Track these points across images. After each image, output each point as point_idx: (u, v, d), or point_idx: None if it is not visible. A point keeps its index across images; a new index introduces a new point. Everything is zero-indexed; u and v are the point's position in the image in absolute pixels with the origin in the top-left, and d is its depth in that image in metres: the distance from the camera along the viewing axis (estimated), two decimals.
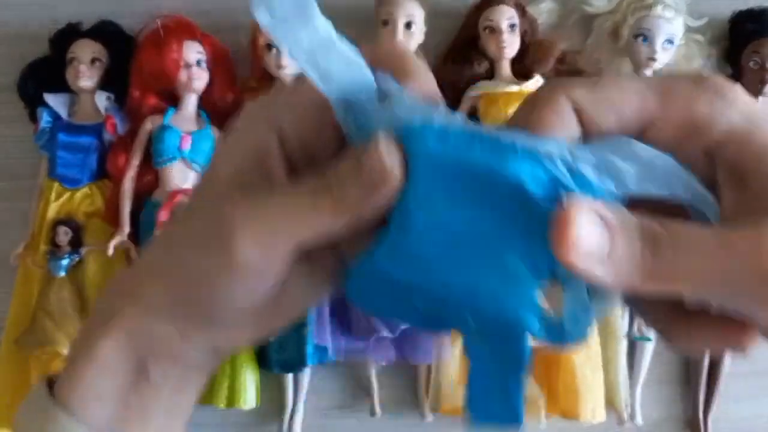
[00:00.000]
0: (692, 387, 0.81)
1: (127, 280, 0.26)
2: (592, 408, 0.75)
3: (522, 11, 0.84)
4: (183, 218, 0.25)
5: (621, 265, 0.19)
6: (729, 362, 0.81)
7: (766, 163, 0.20)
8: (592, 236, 0.19)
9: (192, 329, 0.24)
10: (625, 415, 0.79)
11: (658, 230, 0.19)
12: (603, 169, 0.21)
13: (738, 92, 0.21)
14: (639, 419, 0.79)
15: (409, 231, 0.22)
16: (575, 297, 0.21)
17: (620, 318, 0.79)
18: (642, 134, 0.21)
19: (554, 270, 0.21)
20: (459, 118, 0.22)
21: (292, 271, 0.23)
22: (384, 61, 0.24)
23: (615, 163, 0.21)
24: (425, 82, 0.25)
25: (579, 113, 0.21)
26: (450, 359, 0.77)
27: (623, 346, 0.80)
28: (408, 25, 0.82)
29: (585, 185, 0.20)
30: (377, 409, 0.79)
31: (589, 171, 0.20)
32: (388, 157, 0.21)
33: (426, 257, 0.22)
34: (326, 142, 0.23)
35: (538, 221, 0.20)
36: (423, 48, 0.86)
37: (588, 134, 0.21)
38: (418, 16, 0.83)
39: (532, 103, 0.22)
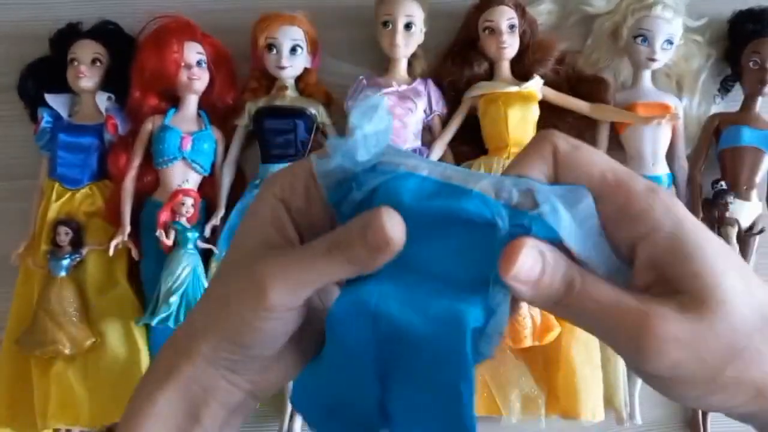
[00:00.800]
0: None
1: (181, 338, 0.32)
2: (592, 408, 0.75)
3: (522, 12, 0.84)
4: (222, 281, 0.32)
5: (543, 293, 0.27)
6: None
7: (680, 265, 0.26)
8: (530, 266, 0.26)
9: (237, 376, 0.31)
10: (625, 415, 0.79)
11: (576, 279, 0.27)
12: (552, 211, 0.26)
13: (680, 207, 0.27)
14: (638, 419, 0.80)
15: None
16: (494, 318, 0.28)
17: None
18: (595, 201, 0.27)
19: (488, 288, 0.27)
20: (426, 163, 0.29)
21: (308, 317, 0.30)
22: None
23: (559, 210, 0.26)
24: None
25: (556, 159, 0.28)
26: None
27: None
28: (408, 26, 0.82)
29: (536, 222, 0.27)
30: None
31: (545, 210, 0.26)
32: (395, 229, 0.27)
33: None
34: (319, 207, 0.30)
35: (486, 246, 0.27)
36: (423, 48, 0.86)
37: (558, 178, 0.28)
38: (418, 16, 0.83)
39: (528, 144, 0.29)
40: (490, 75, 0.84)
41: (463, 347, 0.27)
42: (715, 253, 0.27)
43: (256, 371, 0.32)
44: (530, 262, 0.26)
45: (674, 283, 0.27)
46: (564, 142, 0.28)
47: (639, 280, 0.28)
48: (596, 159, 0.28)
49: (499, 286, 0.27)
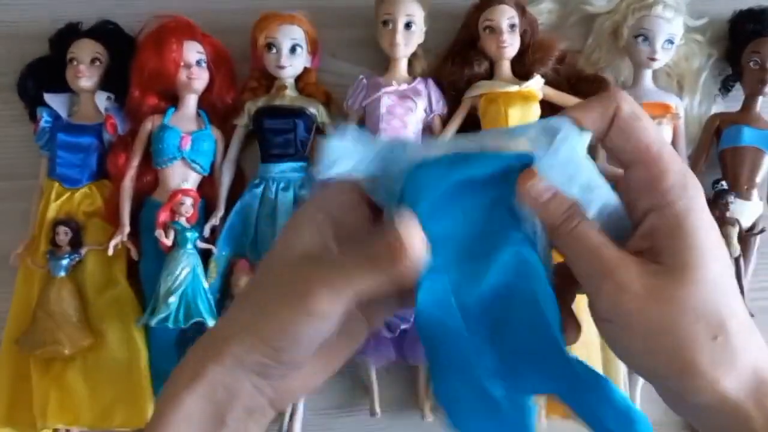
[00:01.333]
0: None
1: (213, 339, 0.33)
2: None
3: (522, 11, 0.83)
4: (260, 287, 0.34)
5: (549, 213, 0.31)
6: None
7: (670, 240, 0.30)
8: (540, 190, 0.31)
9: (263, 381, 0.32)
10: None
11: (577, 216, 0.31)
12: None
13: (700, 199, 0.30)
14: None
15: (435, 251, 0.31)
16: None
17: None
18: (628, 165, 0.31)
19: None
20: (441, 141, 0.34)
21: (343, 324, 0.32)
22: None
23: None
24: None
25: (613, 120, 0.31)
26: None
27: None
28: (408, 25, 0.82)
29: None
30: (377, 409, 0.79)
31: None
32: (409, 244, 0.30)
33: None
34: (363, 217, 0.34)
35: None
36: (423, 48, 0.86)
37: (608, 135, 0.31)
38: (418, 16, 0.83)
39: (595, 97, 0.32)
40: (491, 74, 0.84)
41: (541, 278, 0.31)
42: (706, 244, 0.30)
43: (281, 377, 0.33)
44: (542, 185, 0.31)
45: (659, 256, 0.30)
46: (628, 106, 0.31)
47: (634, 245, 0.31)
48: (648, 132, 0.31)
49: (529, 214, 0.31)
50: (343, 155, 0.32)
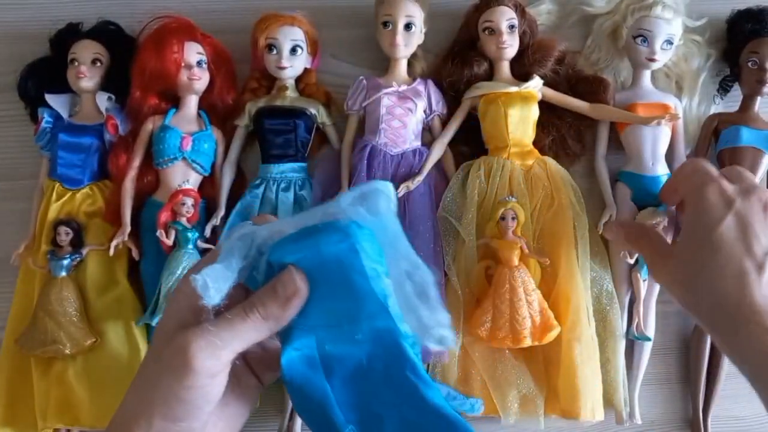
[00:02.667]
0: (692, 386, 0.82)
1: (116, 426, 0.35)
2: (591, 407, 0.75)
3: (521, 12, 0.84)
4: (150, 360, 0.35)
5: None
6: (728, 361, 0.81)
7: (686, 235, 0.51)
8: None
9: None
10: (624, 415, 0.79)
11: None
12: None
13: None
14: (638, 418, 0.80)
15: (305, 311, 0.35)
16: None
17: (618, 318, 0.80)
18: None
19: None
20: (286, 221, 0.36)
21: (230, 388, 0.34)
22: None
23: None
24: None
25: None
26: (450, 359, 0.77)
27: (622, 345, 0.80)
28: (408, 26, 0.82)
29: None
30: None
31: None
32: (300, 279, 0.33)
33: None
34: (238, 289, 0.35)
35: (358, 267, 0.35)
36: (423, 49, 0.86)
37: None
38: (418, 17, 0.83)
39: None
40: (490, 75, 0.84)
41: (402, 349, 0.34)
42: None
43: None
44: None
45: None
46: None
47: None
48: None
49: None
50: (218, 282, 0.34)
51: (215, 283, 0.33)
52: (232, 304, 0.35)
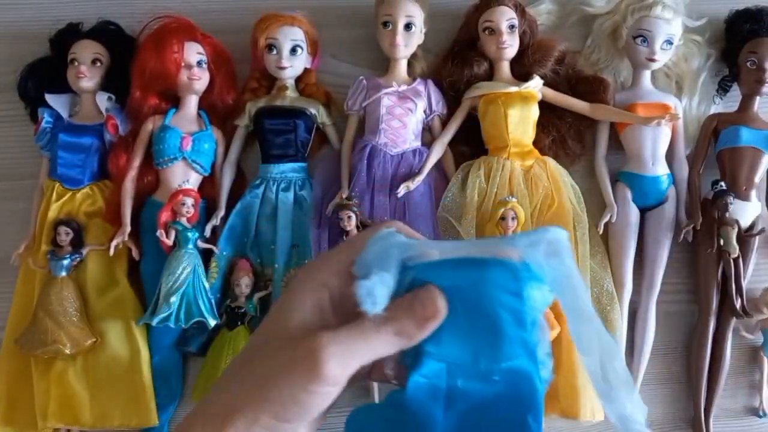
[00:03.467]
0: (693, 386, 0.82)
1: (212, 413, 0.33)
2: (591, 407, 0.75)
3: (521, 12, 0.84)
4: (265, 356, 0.34)
5: None
6: (729, 361, 0.81)
7: None
8: None
9: None
10: None
11: None
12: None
13: None
14: None
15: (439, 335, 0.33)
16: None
17: (619, 318, 0.80)
18: None
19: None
20: (448, 245, 0.35)
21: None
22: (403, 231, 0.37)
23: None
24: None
25: None
26: None
27: (622, 345, 0.80)
28: (408, 26, 0.82)
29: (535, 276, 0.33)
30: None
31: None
32: (440, 300, 0.32)
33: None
34: (351, 287, 0.33)
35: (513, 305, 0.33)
36: (423, 49, 0.86)
37: None
38: (418, 17, 0.83)
39: None
40: (490, 75, 0.84)
41: (535, 396, 0.33)
42: None
43: None
44: None
45: None
46: None
47: None
48: None
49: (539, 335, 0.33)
50: (383, 291, 0.33)
51: (381, 292, 0.32)
52: (345, 293, 0.34)
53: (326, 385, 0.31)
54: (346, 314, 0.34)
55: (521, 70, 0.84)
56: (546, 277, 0.33)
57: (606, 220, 0.81)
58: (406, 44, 0.83)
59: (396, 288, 0.34)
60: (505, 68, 0.84)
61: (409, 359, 0.34)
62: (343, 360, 0.31)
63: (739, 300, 0.79)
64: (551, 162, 0.83)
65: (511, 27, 0.82)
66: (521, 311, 0.33)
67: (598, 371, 0.32)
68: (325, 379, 0.31)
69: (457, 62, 0.84)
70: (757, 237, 0.82)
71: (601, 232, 0.81)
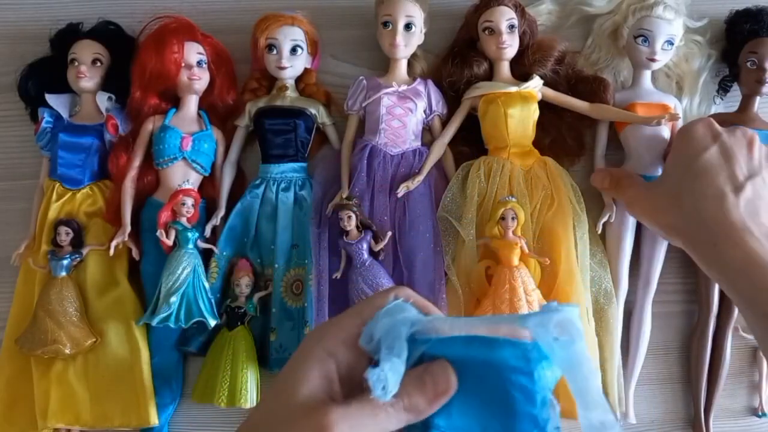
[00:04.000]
0: (693, 386, 0.82)
1: None
2: None
3: (521, 12, 0.84)
4: (277, 423, 0.34)
5: None
6: (729, 361, 0.81)
7: None
8: None
9: None
10: (619, 414, 0.79)
11: None
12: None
13: None
14: (632, 418, 0.80)
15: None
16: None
17: (616, 317, 0.80)
18: None
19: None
20: (459, 321, 0.35)
21: None
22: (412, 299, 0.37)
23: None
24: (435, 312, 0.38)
25: None
26: None
27: (618, 344, 0.80)
28: (408, 26, 0.82)
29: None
30: None
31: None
32: (452, 376, 0.33)
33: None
34: (359, 356, 0.35)
35: (525, 386, 0.33)
36: (423, 49, 0.86)
37: None
38: (418, 17, 0.83)
39: None
40: (490, 75, 0.84)
41: None
42: None
43: None
44: None
45: None
46: None
47: None
48: None
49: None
50: (394, 378, 0.33)
51: (393, 380, 0.32)
52: (352, 362, 0.35)
53: None
54: (352, 385, 0.34)
55: (521, 70, 0.84)
56: (555, 358, 0.33)
57: (605, 219, 0.81)
58: (406, 44, 0.83)
59: (406, 363, 0.34)
60: (504, 68, 0.84)
61: (416, 430, 0.35)
62: None
63: None
64: (551, 162, 0.83)
65: (511, 27, 0.82)
66: (532, 391, 0.33)
67: None
68: None
69: (456, 62, 0.84)
70: None
71: (599, 231, 0.81)
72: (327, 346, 0.35)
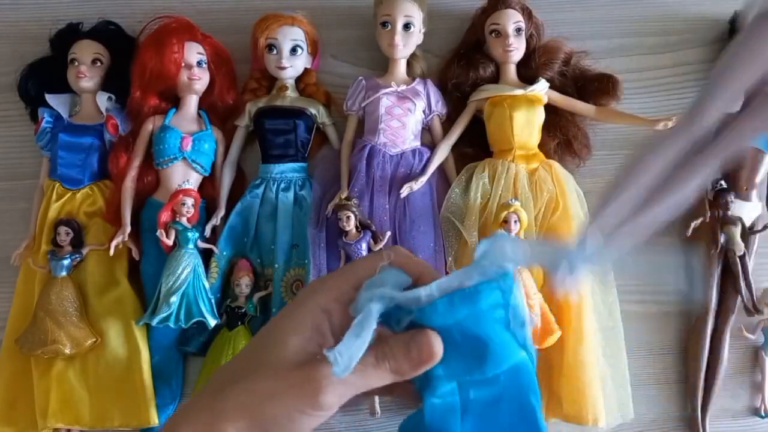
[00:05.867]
0: (690, 386, 0.81)
1: (204, 412, 0.34)
2: (594, 413, 0.74)
3: (528, 15, 0.83)
4: (264, 372, 0.34)
5: None
6: (726, 361, 0.81)
7: None
8: None
9: None
10: (621, 416, 0.79)
11: None
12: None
13: None
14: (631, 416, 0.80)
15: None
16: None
17: (618, 320, 0.80)
18: None
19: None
20: (432, 287, 0.35)
21: None
22: (403, 264, 0.37)
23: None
24: (428, 274, 0.38)
25: None
26: None
27: (621, 343, 0.80)
28: (407, 26, 0.82)
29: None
30: (377, 409, 0.79)
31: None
32: (436, 344, 0.34)
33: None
34: (348, 314, 0.35)
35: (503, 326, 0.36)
36: (422, 49, 0.86)
37: None
38: (417, 17, 0.83)
39: None
40: (496, 78, 0.84)
41: (532, 378, 0.36)
42: None
43: None
44: None
45: None
46: None
47: None
48: None
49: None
50: (351, 357, 0.34)
51: (349, 358, 0.33)
52: (343, 318, 0.35)
53: (321, 410, 0.33)
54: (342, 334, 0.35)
55: (527, 73, 0.84)
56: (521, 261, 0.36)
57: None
58: (405, 44, 0.82)
59: (396, 327, 0.36)
60: (511, 71, 0.84)
61: (418, 381, 0.36)
62: (340, 391, 0.33)
63: (749, 297, 0.79)
64: (556, 165, 0.82)
65: (518, 30, 0.82)
66: (513, 317, 0.36)
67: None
68: (321, 406, 0.33)
69: (463, 64, 0.84)
70: (758, 237, 0.82)
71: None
72: (321, 302, 0.36)
